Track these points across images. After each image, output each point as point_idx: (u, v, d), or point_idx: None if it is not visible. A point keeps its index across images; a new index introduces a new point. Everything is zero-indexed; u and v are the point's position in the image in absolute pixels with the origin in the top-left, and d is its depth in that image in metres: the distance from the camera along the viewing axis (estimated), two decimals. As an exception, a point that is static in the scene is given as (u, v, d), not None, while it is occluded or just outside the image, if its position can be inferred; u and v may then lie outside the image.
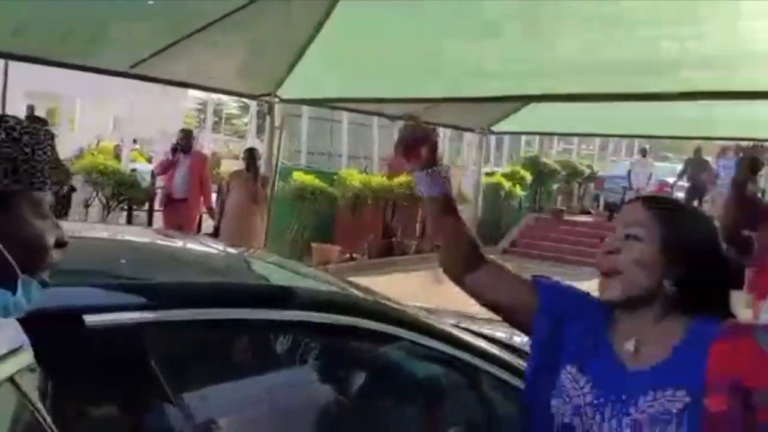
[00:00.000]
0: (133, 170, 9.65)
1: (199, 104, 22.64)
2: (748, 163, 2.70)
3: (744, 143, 3.75)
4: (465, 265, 1.32)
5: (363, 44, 4.62)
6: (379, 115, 9.62)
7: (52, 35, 3.65)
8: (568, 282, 1.37)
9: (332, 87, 5.49)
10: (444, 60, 4.47)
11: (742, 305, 2.87)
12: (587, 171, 16.41)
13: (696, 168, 12.85)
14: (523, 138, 21.53)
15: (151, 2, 3.56)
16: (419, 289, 8.34)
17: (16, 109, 10.88)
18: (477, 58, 4.36)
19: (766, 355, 1.04)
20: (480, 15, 3.78)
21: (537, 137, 19.97)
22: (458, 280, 1.34)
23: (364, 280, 8.44)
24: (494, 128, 8.79)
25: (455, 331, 1.85)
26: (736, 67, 3.48)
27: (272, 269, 2.15)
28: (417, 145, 1.28)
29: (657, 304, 1.14)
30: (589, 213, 15.24)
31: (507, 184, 12.89)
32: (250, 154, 6.60)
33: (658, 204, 1.20)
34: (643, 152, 14.44)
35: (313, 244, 8.80)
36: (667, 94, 3.81)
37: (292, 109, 10.55)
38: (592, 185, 16.28)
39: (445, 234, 1.34)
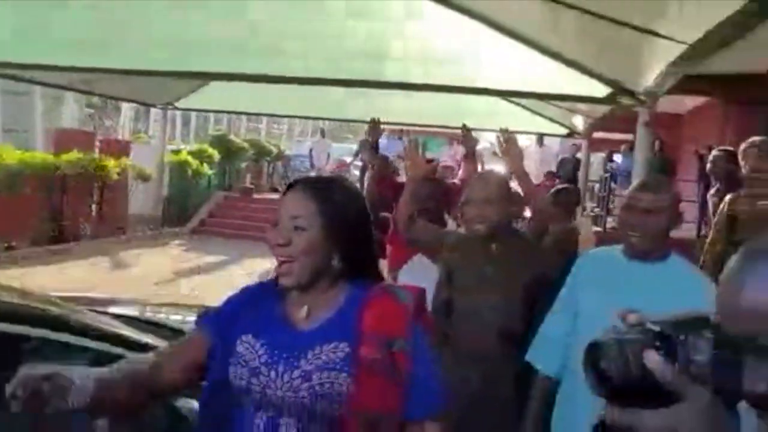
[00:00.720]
0: None
1: None
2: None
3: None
4: (148, 397, 1.29)
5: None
6: (43, 84, 8.50)
7: None
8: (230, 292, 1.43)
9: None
10: (111, 26, 4.14)
11: (386, 273, 3.31)
12: (275, 150, 16.99)
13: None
14: (213, 116, 21.24)
15: None
16: (95, 278, 7.65)
17: None
18: (143, 30, 4.15)
19: (402, 306, 1.29)
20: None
21: (225, 116, 19.92)
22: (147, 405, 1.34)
23: (27, 272, 7.43)
24: (178, 104, 8.51)
25: (102, 325, 1.76)
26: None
27: None
28: None
29: (325, 277, 1.31)
30: (277, 191, 15.81)
31: (194, 162, 12.60)
32: None
33: (315, 190, 1.32)
34: (322, 133, 15.46)
35: (-43, 233, 7.44)
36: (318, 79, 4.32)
37: None
38: (280, 164, 16.92)
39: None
